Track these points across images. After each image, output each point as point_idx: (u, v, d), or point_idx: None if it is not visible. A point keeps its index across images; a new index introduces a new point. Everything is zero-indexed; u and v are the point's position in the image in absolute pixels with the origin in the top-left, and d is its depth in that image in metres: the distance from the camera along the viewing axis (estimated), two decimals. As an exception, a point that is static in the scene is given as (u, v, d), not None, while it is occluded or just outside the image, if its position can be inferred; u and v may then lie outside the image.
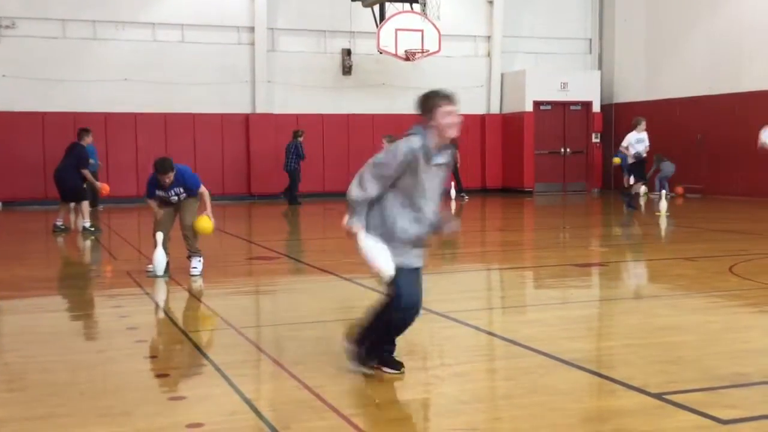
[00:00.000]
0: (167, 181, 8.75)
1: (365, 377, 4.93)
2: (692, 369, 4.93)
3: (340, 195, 23.02)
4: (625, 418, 4.11)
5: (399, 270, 4.70)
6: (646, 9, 22.91)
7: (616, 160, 21.60)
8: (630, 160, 16.17)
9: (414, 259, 4.88)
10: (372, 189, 4.66)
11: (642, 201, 19.59)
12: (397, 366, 4.89)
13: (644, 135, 15.90)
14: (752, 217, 14.84)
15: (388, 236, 4.68)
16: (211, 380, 4.83)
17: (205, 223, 8.95)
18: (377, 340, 4.91)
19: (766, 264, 9.52)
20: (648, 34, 22.84)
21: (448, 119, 4.70)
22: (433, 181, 4.74)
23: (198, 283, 8.55)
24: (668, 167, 20.31)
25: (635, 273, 9.41)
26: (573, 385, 4.71)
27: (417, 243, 4.86)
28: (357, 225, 4.68)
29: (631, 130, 15.96)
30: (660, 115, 21.93)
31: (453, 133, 4.74)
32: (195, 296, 7.78)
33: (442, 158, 4.75)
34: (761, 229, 13.23)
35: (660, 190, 17.80)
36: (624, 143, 16.04)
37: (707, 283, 8.74)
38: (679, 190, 19.80)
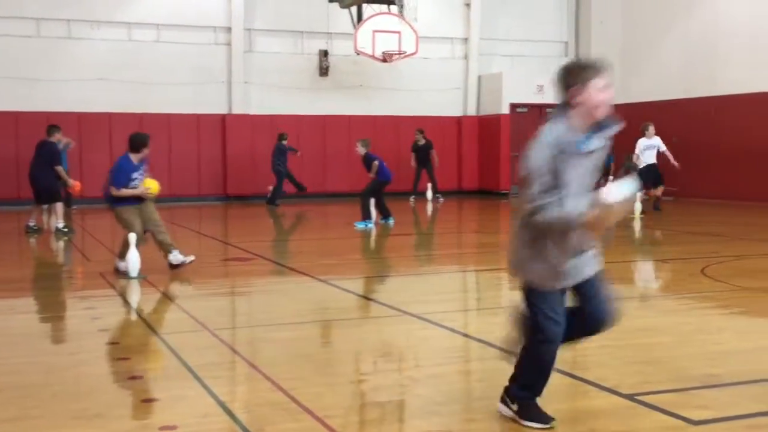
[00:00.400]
0: (146, 155, 9.04)
1: (340, 380, 4.92)
2: (665, 370, 4.97)
3: (316, 196, 23.10)
4: (599, 419, 4.13)
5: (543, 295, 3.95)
6: (621, 12, 23.09)
7: None
8: (640, 166, 15.81)
9: (580, 270, 4.05)
10: (549, 197, 3.74)
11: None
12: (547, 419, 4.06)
13: (655, 140, 15.63)
14: (725, 220, 15.00)
15: (539, 257, 3.89)
16: (185, 382, 4.80)
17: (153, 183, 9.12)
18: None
19: (737, 266, 9.62)
20: (624, 38, 23.03)
21: (601, 96, 3.86)
22: (583, 173, 3.84)
23: (177, 280, 8.49)
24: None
25: (609, 274, 9.42)
26: (548, 387, 4.71)
27: (576, 251, 3.97)
28: (591, 207, 3.71)
29: (641, 137, 15.71)
30: (635, 118, 21.98)
31: (604, 112, 3.88)
32: (169, 298, 7.72)
33: (596, 142, 3.86)
34: (734, 231, 13.37)
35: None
36: (636, 151, 15.74)
37: (680, 285, 8.82)
38: (651, 192, 19.96)
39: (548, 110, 23.14)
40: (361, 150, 14.55)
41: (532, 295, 3.98)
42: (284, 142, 19.70)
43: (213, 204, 20.60)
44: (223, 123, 21.22)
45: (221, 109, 21.31)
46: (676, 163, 15.71)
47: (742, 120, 18.91)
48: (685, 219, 15.25)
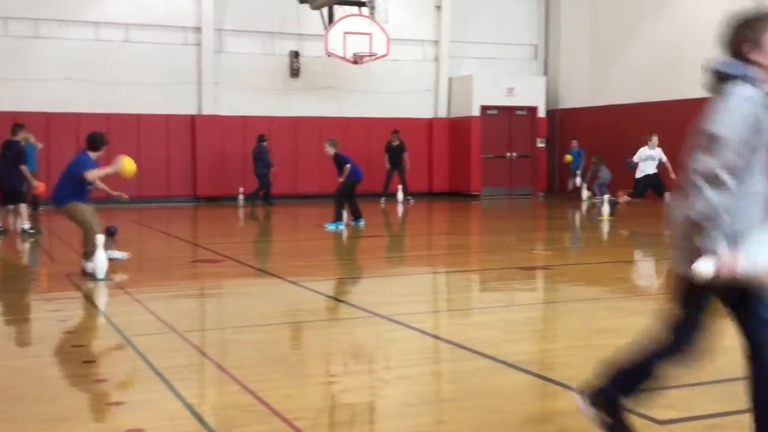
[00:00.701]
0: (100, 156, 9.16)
1: (309, 381, 4.91)
2: (631, 370, 5.02)
3: (288, 198, 23.06)
4: (566, 418, 4.17)
5: None
6: (590, 16, 23.31)
7: (568, 157, 21.95)
8: (638, 175, 15.75)
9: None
10: (731, 182, 3.06)
11: (584, 206, 19.92)
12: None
13: (657, 151, 15.58)
14: (691, 222, 15.15)
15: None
16: (152, 385, 4.76)
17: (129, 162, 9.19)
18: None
19: (703, 267, 9.73)
20: (592, 41, 23.25)
21: None
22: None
23: (117, 280, 8.43)
24: (605, 173, 20.70)
25: (578, 276, 9.54)
26: (516, 388, 4.77)
27: None
28: (726, 248, 3.09)
29: (644, 145, 15.69)
30: (603, 120, 22.34)
31: None
32: (137, 300, 7.66)
33: None
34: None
35: (601, 195, 18.10)
36: (635, 159, 15.68)
37: (647, 286, 8.93)
38: (621, 194, 20.14)
39: (518, 112, 23.35)
40: (330, 150, 14.53)
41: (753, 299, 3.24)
42: (264, 144, 19.69)
43: (182, 205, 20.47)
44: (192, 124, 21.09)
45: (191, 110, 21.18)
46: (673, 175, 15.80)
47: (708, 123, 19.15)
48: (652, 221, 15.41)
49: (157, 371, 5.02)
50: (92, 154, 9.07)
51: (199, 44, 21.08)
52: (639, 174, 15.66)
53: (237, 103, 21.41)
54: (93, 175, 8.90)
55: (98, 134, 9.18)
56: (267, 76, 21.72)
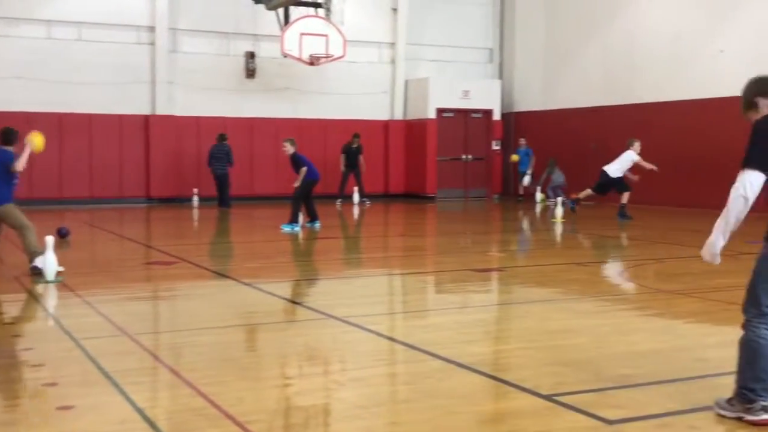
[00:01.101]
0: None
1: (263, 384, 4.88)
2: (582, 371, 5.09)
3: (244, 199, 22.91)
4: (518, 419, 4.20)
5: None
6: (545, 21, 23.56)
7: (514, 157, 22.11)
8: (618, 174, 15.89)
9: None
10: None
11: (538, 208, 20.12)
12: None
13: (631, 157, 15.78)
14: (642, 224, 15.43)
15: None
16: (102, 389, 4.69)
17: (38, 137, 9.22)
18: None
19: (654, 269, 9.92)
20: (546, 45, 23.50)
21: None
22: None
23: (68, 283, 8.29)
24: (558, 177, 20.95)
25: (531, 278, 9.63)
26: (470, 389, 4.79)
27: None
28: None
29: (627, 149, 15.84)
30: (557, 124, 22.60)
31: None
32: (87, 302, 7.53)
33: None
34: (651, 235, 13.77)
35: (555, 198, 18.30)
36: (626, 165, 15.83)
37: (598, 288, 9.05)
38: (574, 196, 20.40)
39: (473, 115, 23.57)
40: (289, 149, 14.42)
41: None
42: (226, 142, 19.57)
43: (135, 206, 20.20)
44: (146, 124, 20.83)
45: (144, 110, 20.91)
46: (634, 177, 16.12)
47: (659, 127, 19.51)
48: (606, 223, 15.63)
49: (108, 375, 4.94)
50: (8, 148, 9.09)
51: (153, 43, 20.83)
52: (619, 174, 15.85)
53: (191, 103, 21.20)
54: (20, 164, 8.92)
55: (11, 129, 9.37)
56: (222, 77, 21.54)
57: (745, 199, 3.94)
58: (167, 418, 4.25)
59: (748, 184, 3.93)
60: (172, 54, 21.10)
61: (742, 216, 3.99)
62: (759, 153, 3.96)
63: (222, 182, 19.52)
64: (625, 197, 16.05)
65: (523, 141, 22.23)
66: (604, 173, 16.01)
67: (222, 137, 19.59)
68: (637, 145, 15.96)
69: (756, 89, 4.16)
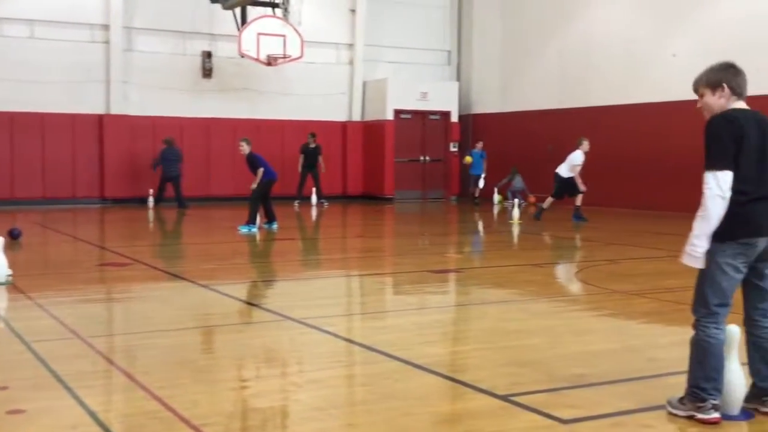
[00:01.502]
0: None
1: (219, 387, 4.84)
2: (537, 371, 5.13)
3: (200, 200, 22.76)
4: (474, 420, 4.22)
5: None
6: (502, 24, 23.76)
7: (468, 159, 22.23)
8: (569, 174, 16.00)
9: None
10: None
11: (496, 209, 20.27)
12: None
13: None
14: (596, 226, 15.64)
15: None
16: (54, 392, 4.60)
17: None
18: None
19: (608, 270, 10.05)
20: (504, 48, 23.70)
21: None
22: None
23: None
24: (519, 182, 21.16)
25: (488, 279, 9.70)
26: (426, 390, 4.80)
27: None
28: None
29: (577, 149, 15.93)
30: (514, 126, 22.80)
31: None
32: (39, 304, 7.40)
33: None
34: (604, 237, 13.96)
35: (513, 200, 18.46)
36: (575, 163, 15.91)
37: (554, 289, 9.15)
38: (531, 199, 20.61)
39: (431, 116, 23.67)
40: (245, 149, 14.31)
41: None
42: (172, 145, 19.45)
43: (89, 207, 19.90)
44: (100, 123, 20.54)
45: (98, 109, 20.62)
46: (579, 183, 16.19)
47: (613, 130, 19.79)
48: (560, 224, 15.80)
49: (60, 378, 4.86)
50: None
51: (107, 42, 20.55)
52: (569, 174, 15.97)
53: (147, 103, 20.95)
54: None
55: None
56: (178, 76, 21.33)
57: (722, 198, 3.96)
58: (120, 421, 4.19)
59: (722, 182, 3.96)
60: (127, 53, 20.83)
61: (721, 216, 3.99)
62: (721, 152, 3.99)
63: (176, 184, 19.43)
64: (579, 199, 16.24)
65: (479, 144, 22.27)
66: (557, 175, 16.18)
67: (170, 141, 19.52)
68: (585, 143, 16.08)
69: (724, 76, 4.15)
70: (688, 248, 4.09)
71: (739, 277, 4.08)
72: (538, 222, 16.01)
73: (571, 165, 15.95)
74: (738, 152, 3.99)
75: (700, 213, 4.03)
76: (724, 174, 3.98)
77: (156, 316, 7.12)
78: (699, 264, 4.08)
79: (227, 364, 5.49)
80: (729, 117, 4.07)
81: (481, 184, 21.86)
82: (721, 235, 4.02)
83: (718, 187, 3.96)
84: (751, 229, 4.02)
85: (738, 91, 4.15)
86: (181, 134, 20.83)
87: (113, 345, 6.15)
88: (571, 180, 16.02)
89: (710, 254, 4.06)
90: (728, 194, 3.97)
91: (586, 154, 16.06)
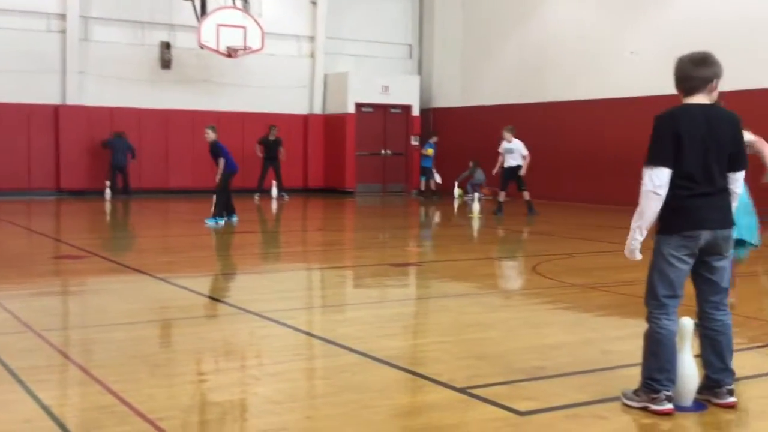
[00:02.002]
0: None
1: (176, 380, 4.80)
2: (495, 363, 5.17)
3: (158, 192, 22.53)
4: (433, 412, 4.24)
5: None
6: (463, 18, 23.83)
7: (429, 150, 22.27)
8: (494, 171, 16.03)
9: None
10: None
11: (456, 203, 20.37)
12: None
13: (513, 145, 15.83)
14: (554, 220, 15.80)
15: None
16: (6, 387, 4.52)
17: None
18: None
19: (566, 263, 10.16)
20: (465, 42, 23.78)
21: None
22: None
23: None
24: (480, 175, 21.25)
25: (448, 272, 9.74)
26: (386, 383, 4.82)
27: None
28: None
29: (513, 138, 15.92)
30: (474, 121, 22.90)
31: None
32: (-8, 298, 7.26)
33: None
34: (561, 230, 14.10)
35: (473, 194, 18.54)
36: (500, 149, 15.92)
37: (512, 282, 9.23)
38: (486, 192, 20.73)
39: (392, 110, 23.68)
40: (210, 135, 14.05)
41: None
42: (122, 137, 19.31)
43: (45, 198, 19.57)
44: (56, 114, 20.19)
45: (54, 100, 20.27)
46: (522, 171, 16.12)
47: (571, 125, 20.00)
48: (519, 219, 15.92)
49: (12, 372, 4.78)
50: None
51: (63, 32, 20.19)
52: (518, 162, 15.99)
53: (104, 93, 20.63)
54: None
55: None
56: (136, 67, 21.04)
57: (656, 194, 4.08)
58: (75, 415, 4.14)
59: (656, 179, 4.07)
60: (84, 43, 20.50)
61: (656, 212, 4.12)
62: (661, 149, 4.09)
63: (125, 174, 19.49)
64: (527, 195, 16.24)
65: (435, 139, 22.16)
66: (508, 168, 16.09)
67: (120, 134, 19.55)
68: (508, 133, 16.01)
69: (677, 70, 4.22)
70: (627, 241, 4.24)
71: (686, 268, 4.17)
72: (498, 216, 16.10)
73: (521, 154, 15.97)
74: (679, 149, 4.07)
75: (637, 208, 4.16)
76: (660, 171, 4.07)
77: (112, 309, 7.03)
78: (635, 256, 4.23)
79: (185, 358, 5.44)
80: (671, 114, 4.15)
81: (439, 178, 21.79)
82: (665, 228, 4.16)
83: (652, 184, 4.09)
84: (692, 222, 4.11)
85: (688, 86, 4.20)
86: (139, 125, 20.57)
87: (68, 339, 6.06)
88: (518, 171, 15.95)
89: (656, 246, 4.20)
90: (662, 191, 4.08)
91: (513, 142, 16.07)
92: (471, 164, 21.55)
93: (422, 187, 22.25)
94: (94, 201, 19.14)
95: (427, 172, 21.97)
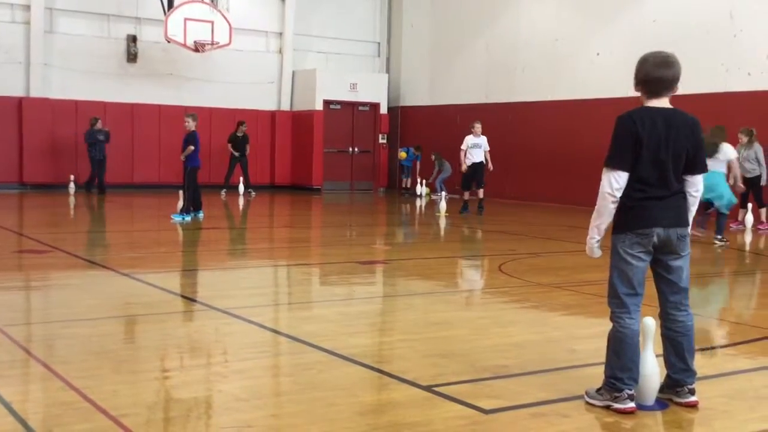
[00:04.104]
0: None
1: (140, 377, 4.76)
2: (461, 362, 5.20)
3: (123, 187, 22.32)
4: (398, 410, 4.25)
5: None
6: (431, 17, 23.89)
7: (402, 154, 22.39)
8: (463, 168, 15.98)
9: None
10: None
11: (423, 202, 20.42)
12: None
13: (481, 139, 15.80)
14: (521, 219, 15.91)
15: None
16: (-34, 383, 4.46)
17: None
18: None
19: (531, 263, 10.24)
20: (433, 42, 23.84)
21: None
22: None
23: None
24: (448, 169, 21.30)
25: (414, 270, 9.77)
26: (351, 380, 4.82)
27: None
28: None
29: (469, 134, 15.90)
30: (442, 119, 22.97)
31: None
32: (-48, 292, 7.15)
33: None
34: (528, 230, 14.20)
35: (440, 192, 18.60)
36: (463, 147, 15.84)
37: (478, 281, 9.28)
38: (448, 190, 20.79)
39: (360, 108, 23.67)
40: (191, 125, 13.81)
41: None
42: (98, 126, 19.07)
43: (7, 192, 19.26)
44: (19, 106, 19.88)
45: (18, 92, 19.96)
46: (491, 167, 16.22)
47: (538, 125, 20.14)
48: (485, 218, 16.00)
49: (-28, 369, 4.71)
50: None
51: (28, 23, 19.88)
52: (467, 162, 16.01)
53: (69, 86, 20.37)
54: None
55: None
56: (102, 60, 20.79)
57: (612, 196, 4.16)
58: (36, 412, 4.09)
59: (614, 182, 4.14)
60: (49, 35, 20.20)
61: (612, 212, 4.20)
62: (621, 152, 4.15)
63: (102, 167, 19.12)
64: (481, 192, 16.32)
65: (417, 151, 22.84)
66: (476, 164, 16.12)
67: (93, 121, 19.14)
68: (477, 127, 15.97)
69: (637, 72, 4.25)
70: (587, 239, 4.36)
71: (642, 265, 4.23)
72: (464, 215, 16.18)
73: (486, 149, 16.01)
74: (636, 152, 4.12)
75: (595, 208, 4.26)
76: (618, 174, 4.14)
77: (75, 304, 6.95)
78: (594, 254, 4.36)
79: (149, 355, 5.39)
80: (631, 116, 4.20)
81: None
82: (619, 227, 4.25)
83: (610, 186, 4.16)
84: (645, 221, 4.19)
85: (649, 88, 4.22)
86: (104, 119, 20.29)
87: (30, 334, 5.98)
88: (479, 165, 15.97)
89: (613, 246, 4.28)
90: (618, 193, 4.16)
91: (480, 137, 16.11)
92: (433, 157, 21.60)
93: (405, 185, 22.82)
94: (57, 195, 18.88)
95: (405, 171, 22.56)
